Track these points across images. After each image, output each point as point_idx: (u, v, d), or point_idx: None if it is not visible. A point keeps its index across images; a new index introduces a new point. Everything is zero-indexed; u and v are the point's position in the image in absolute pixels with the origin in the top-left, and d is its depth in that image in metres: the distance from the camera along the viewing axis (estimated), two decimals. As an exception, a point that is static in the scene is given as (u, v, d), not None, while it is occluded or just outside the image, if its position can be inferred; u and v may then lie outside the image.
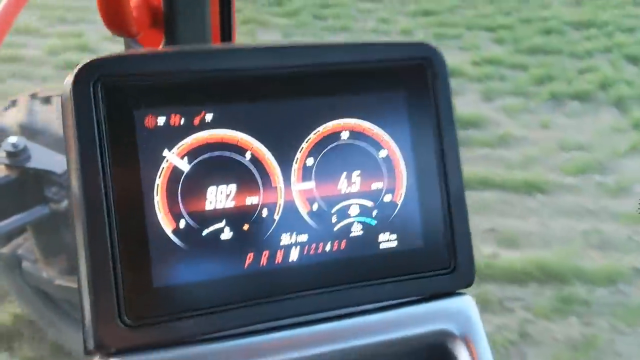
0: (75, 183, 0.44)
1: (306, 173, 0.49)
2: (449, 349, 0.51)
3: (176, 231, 0.45)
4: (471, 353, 0.50)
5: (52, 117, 1.76)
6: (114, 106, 0.44)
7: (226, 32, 0.80)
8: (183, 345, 0.46)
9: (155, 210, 0.45)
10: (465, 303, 0.52)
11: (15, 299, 2.08)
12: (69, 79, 0.45)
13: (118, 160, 0.44)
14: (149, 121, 0.45)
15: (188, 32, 0.71)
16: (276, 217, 0.48)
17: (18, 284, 1.97)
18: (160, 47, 0.69)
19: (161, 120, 0.45)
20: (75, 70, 0.44)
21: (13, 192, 1.72)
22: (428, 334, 0.51)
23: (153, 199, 0.45)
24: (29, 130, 1.76)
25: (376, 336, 0.49)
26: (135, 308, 0.44)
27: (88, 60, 0.44)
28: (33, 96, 1.85)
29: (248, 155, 0.47)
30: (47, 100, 1.82)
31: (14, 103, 1.85)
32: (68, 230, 1.85)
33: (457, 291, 0.52)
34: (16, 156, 1.68)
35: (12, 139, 1.67)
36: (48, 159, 1.71)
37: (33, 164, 1.70)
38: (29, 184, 1.72)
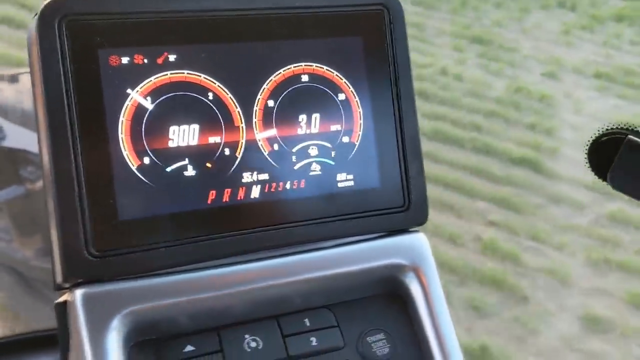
0: (41, 120, 0.46)
1: (267, 114, 0.51)
2: (402, 281, 0.54)
3: (140, 167, 0.47)
4: (422, 284, 0.53)
5: (21, 95, 1.75)
6: (78, 45, 0.46)
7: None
8: (147, 276, 0.48)
9: (120, 147, 0.47)
10: (418, 239, 0.55)
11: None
12: (34, 19, 0.46)
13: (83, 98, 0.46)
14: (113, 60, 0.47)
15: None
16: (238, 155, 0.50)
17: (-7, 264, 1.96)
18: None
19: (125, 60, 0.47)
20: (40, 9, 0.46)
21: (-13, 171, 1.72)
22: (382, 267, 0.53)
23: (117, 136, 0.47)
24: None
25: (333, 269, 0.52)
26: (102, 240, 0.46)
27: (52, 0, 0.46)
28: (0, 77, 1.84)
29: (210, 95, 0.49)
30: (14, 78, 1.81)
31: None
32: (44, 210, 1.84)
33: (411, 229, 0.55)
34: (-10, 135, 1.68)
35: (-14, 118, 1.67)
36: (23, 138, 1.71)
37: (8, 142, 1.69)
38: (3, 164, 1.72)
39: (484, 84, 4.16)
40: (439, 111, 3.74)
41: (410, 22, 5.02)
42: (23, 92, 1.75)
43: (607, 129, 0.49)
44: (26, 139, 1.71)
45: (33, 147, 1.74)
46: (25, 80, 1.80)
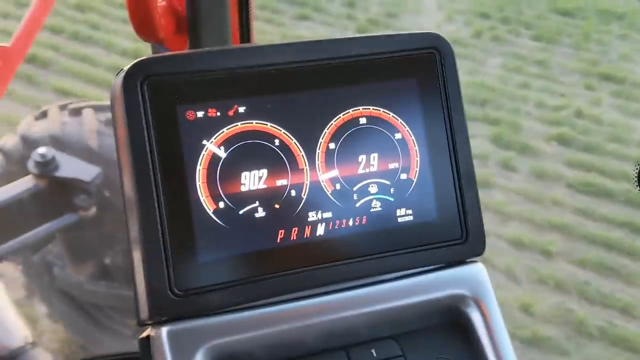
0: (126, 172, 0.50)
1: (329, 156, 0.54)
2: (463, 310, 0.56)
3: (216, 211, 0.51)
4: (482, 313, 0.56)
5: (82, 129, 1.83)
6: (159, 102, 0.50)
7: (245, 34, 0.87)
8: (225, 312, 0.51)
9: (197, 194, 0.51)
10: (477, 270, 0.57)
11: (44, 303, 2.14)
12: (119, 79, 0.50)
13: (164, 150, 0.50)
14: (189, 115, 0.51)
15: (210, 35, 0.77)
16: (303, 196, 0.53)
17: (47, 289, 2.04)
18: (187, 50, 0.75)
19: (200, 114, 0.51)
20: (124, 71, 0.50)
21: (43, 200, 1.79)
22: (443, 298, 0.56)
23: (195, 183, 0.51)
24: (59, 142, 1.83)
25: (397, 301, 0.55)
26: (184, 280, 0.50)
27: (135, 62, 0.50)
28: (63, 107, 1.91)
29: (276, 142, 0.53)
30: (77, 112, 1.88)
31: (44, 114, 1.92)
32: (96, 236, 1.91)
33: (470, 260, 0.58)
34: (45, 166, 1.75)
35: (41, 150, 1.74)
36: (76, 168, 1.78)
37: (61, 172, 1.76)
38: (57, 193, 1.79)
39: (625, 126, 3.87)
40: (584, 159, 3.51)
41: (533, 60, 4.35)
42: (85, 126, 1.82)
43: None
44: (79, 169, 1.78)
45: (85, 176, 1.81)
46: (87, 114, 1.87)
